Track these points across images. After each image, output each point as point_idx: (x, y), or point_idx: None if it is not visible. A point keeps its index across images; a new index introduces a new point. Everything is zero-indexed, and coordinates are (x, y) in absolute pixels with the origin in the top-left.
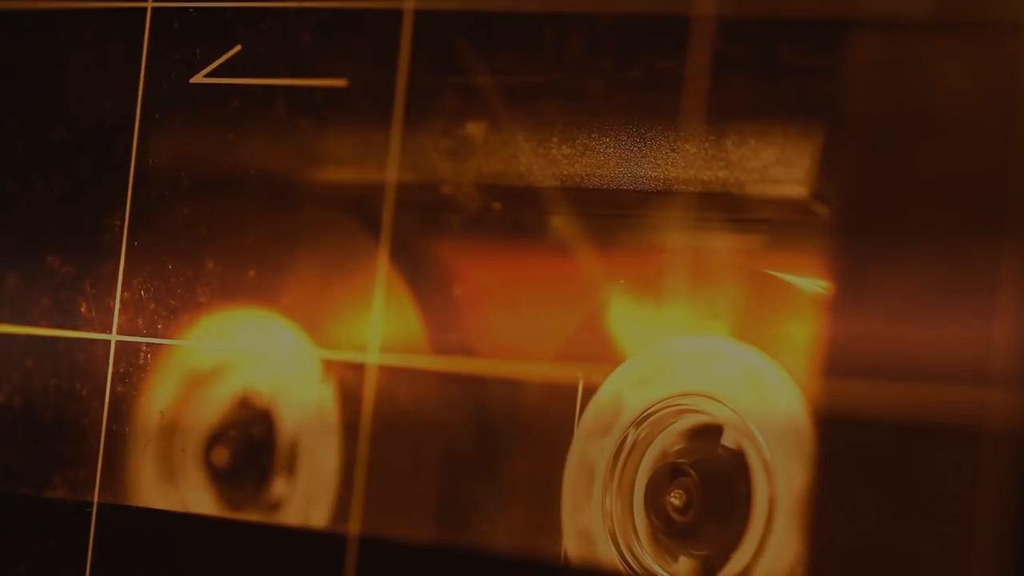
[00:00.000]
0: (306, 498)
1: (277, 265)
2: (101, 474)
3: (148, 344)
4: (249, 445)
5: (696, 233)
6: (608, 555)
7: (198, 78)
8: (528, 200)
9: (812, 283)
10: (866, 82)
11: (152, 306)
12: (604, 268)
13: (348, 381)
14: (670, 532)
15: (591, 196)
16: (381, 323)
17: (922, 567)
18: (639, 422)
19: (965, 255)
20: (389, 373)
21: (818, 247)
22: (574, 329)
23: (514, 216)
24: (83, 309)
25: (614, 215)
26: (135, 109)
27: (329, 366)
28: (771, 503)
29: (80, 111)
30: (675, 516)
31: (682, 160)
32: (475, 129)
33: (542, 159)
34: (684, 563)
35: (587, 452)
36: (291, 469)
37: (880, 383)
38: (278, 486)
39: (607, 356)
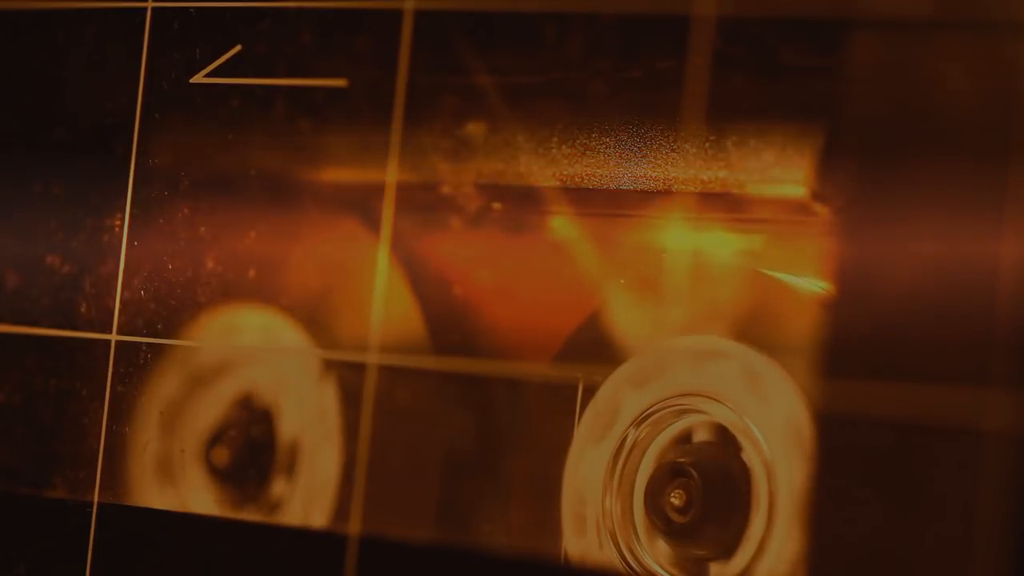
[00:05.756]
0: (306, 498)
1: (277, 265)
2: (101, 474)
3: (148, 344)
4: (249, 445)
5: (696, 233)
6: (608, 555)
7: (198, 78)
8: (528, 200)
9: (812, 283)
10: (866, 82)
11: (152, 306)
12: (604, 268)
13: (348, 381)
14: (670, 532)
15: (591, 196)
16: (381, 323)
17: (922, 567)
18: (639, 422)
19: (965, 255)
20: (389, 373)
21: (818, 247)
22: (574, 329)
23: (514, 216)
24: (83, 309)
25: (614, 215)
26: (135, 109)
27: (329, 366)
28: (771, 503)
29: (80, 111)
30: (675, 516)
31: (682, 160)
32: (475, 129)
33: (542, 159)
34: (684, 563)
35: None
36: (291, 469)
37: (880, 383)
38: (278, 486)
39: (607, 356)
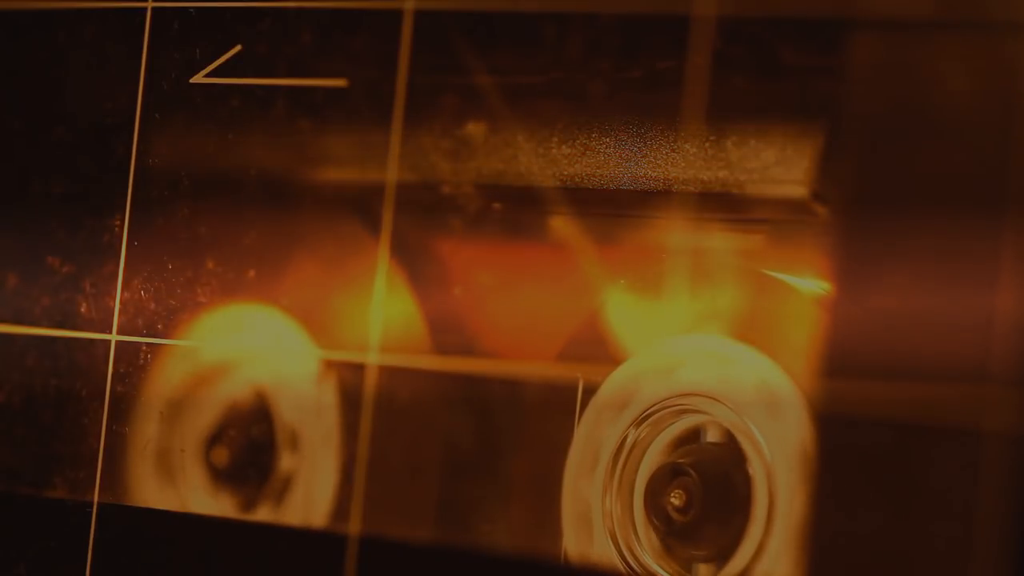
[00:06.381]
0: (306, 498)
1: (277, 265)
2: (101, 474)
3: (148, 344)
4: (249, 445)
5: (696, 233)
6: (608, 555)
7: (198, 78)
8: (528, 200)
9: (812, 283)
10: (866, 82)
11: (152, 306)
12: (604, 268)
13: (348, 381)
14: (670, 532)
15: (591, 196)
16: (381, 323)
17: (922, 567)
18: (639, 422)
19: (965, 255)
20: (389, 373)
21: (818, 247)
22: (574, 329)
23: (514, 216)
24: (83, 309)
25: (614, 215)
26: (135, 109)
27: (329, 366)
28: (771, 503)
29: (80, 111)
30: (675, 516)
31: (682, 160)
32: (475, 129)
33: (542, 159)
34: (684, 563)
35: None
36: (291, 469)
37: (880, 383)
38: (278, 486)
39: (607, 356)
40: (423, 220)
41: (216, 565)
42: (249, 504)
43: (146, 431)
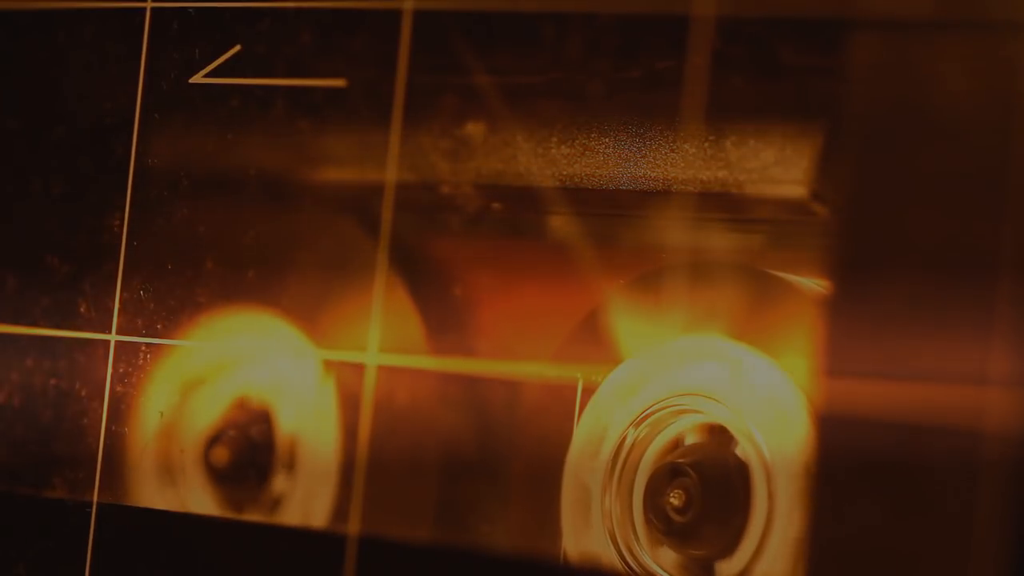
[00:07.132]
0: (306, 498)
1: (277, 265)
2: (101, 474)
3: (148, 344)
4: (249, 445)
5: (696, 233)
6: (608, 555)
7: (198, 78)
8: (528, 200)
9: (812, 283)
10: (866, 82)
11: (152, 306)
12: (604, 268)
13: (348, 381)
14: (670, 532)
15: (591, 196)
16: (381, 323)
17: (922, 567)
18: (639, 422)
19: (965, 255)
20: (389, 373)
21: (818, 247)
22: (574, 329)
23: (514, 216)
24: (83, 309)
25: (614, 215)
26: (135, 109)
27: (329, 366)
28: (771, 503)
29: (80, 111)
30: (675, 516)
31: (682, 160)
32: (475, 129)
33: (542, 159)
34: (684, 563)
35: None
36: (291, 469)
37: (880, 383)
38: (278, 486)
39: (607, 356)
40: (423, 220)
41: (216, 565)
42: (249, 504)
43: (145, 431)
